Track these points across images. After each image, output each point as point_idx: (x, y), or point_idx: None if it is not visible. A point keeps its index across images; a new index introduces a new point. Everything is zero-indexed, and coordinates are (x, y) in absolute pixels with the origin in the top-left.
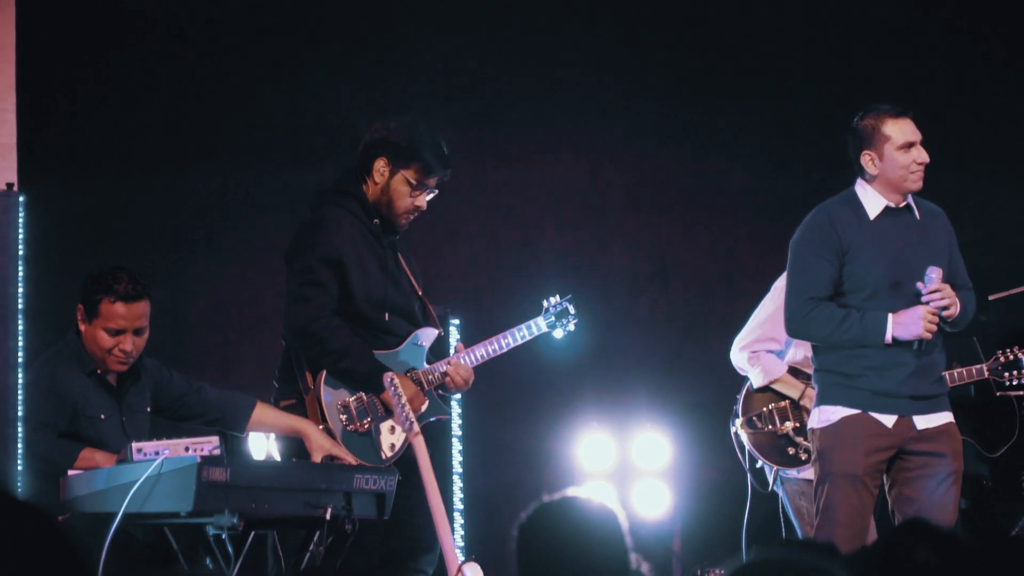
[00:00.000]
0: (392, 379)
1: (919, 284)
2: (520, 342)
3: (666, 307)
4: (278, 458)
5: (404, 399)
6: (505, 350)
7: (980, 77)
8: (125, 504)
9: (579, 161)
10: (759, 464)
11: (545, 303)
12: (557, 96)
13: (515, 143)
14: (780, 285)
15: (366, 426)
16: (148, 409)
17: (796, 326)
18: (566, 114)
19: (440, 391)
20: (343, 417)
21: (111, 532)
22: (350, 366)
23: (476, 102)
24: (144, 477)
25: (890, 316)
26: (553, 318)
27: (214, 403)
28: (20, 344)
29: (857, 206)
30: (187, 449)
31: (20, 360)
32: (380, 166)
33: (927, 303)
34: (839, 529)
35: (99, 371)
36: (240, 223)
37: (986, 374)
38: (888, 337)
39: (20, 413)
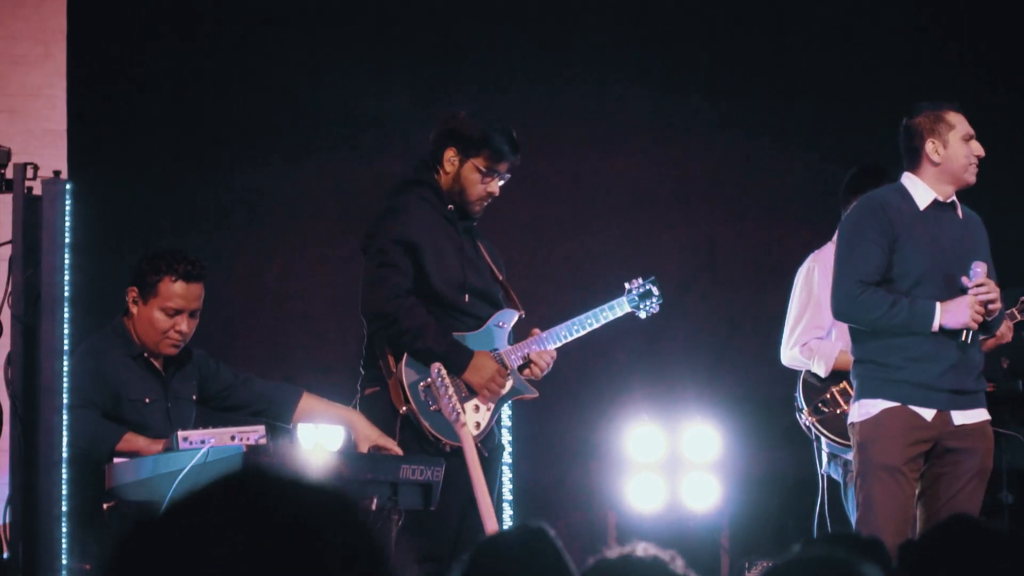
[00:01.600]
0: (439, 370)
1: (963, 278)
2: (603, 322)
3: (715, 300)
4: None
5: (451, 390)
6: (587, 330)
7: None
8: (171, 493)
9: (630, 155)
10: (827, 450)
11: (628, 284)
12: (606, 92)
13: (566, 138)
14: (802, 279)
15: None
16: (193, 397)
17: (845, 308)
18: (616, 109)
19: (523, 374)
20: (426, 398)
21: None
22: (428, 345)
23: (525, 98)
24: (190, 466)
25: (938, 304)
26: (637, 299)
27: (260, 394)
28: (66, 332)
29: (907, 196)
30: (233, 438)
31: (66, 348)
32: (450, 155)
33: (974, 296)
34: (881, 521)
35: (145, 355)
36: (287, 214)
37: (1017, 316)
38: (936, 325)
39: (66, 402)
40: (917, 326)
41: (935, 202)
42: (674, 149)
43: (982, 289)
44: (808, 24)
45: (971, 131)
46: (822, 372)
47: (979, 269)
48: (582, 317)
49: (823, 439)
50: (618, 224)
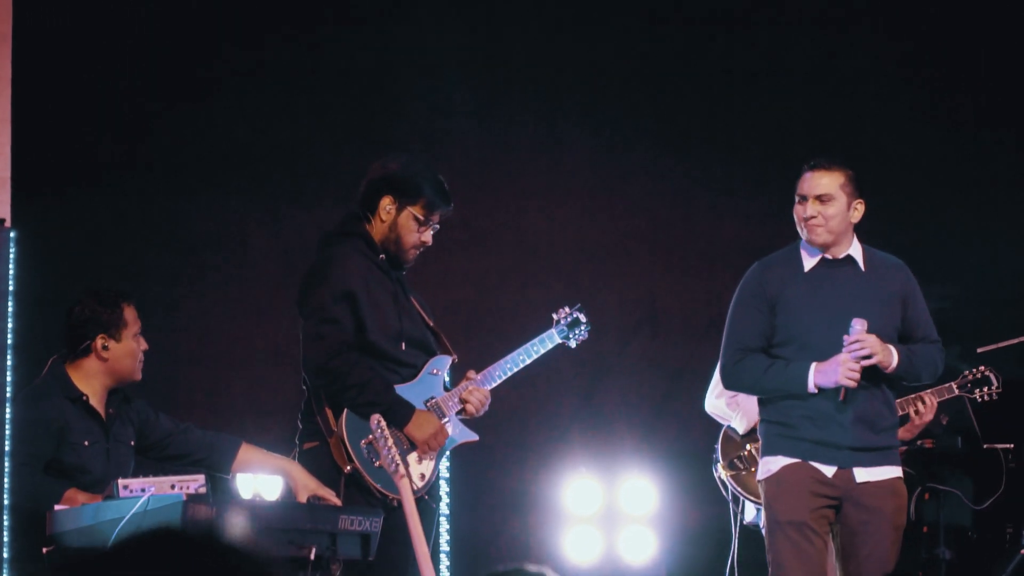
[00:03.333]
0: (379, 421)
1: (845, 336)
2: (535, 356)
3: (654, 353)
4: (265, 497)
5: (390, 441)
6: (521, 367)
7: (966, 132)
8: (112, 540)
9: (571, 208)
10: (742, 505)
11: (555, 315)
12: (549, 143)
13: (508, 190)
14: None
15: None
16: (132, 443)
17: (727, 376)
18: (558, 161)
19: (459, 415)
20: (369, 455)
21: None
22: (371, 399)
23: (467, 148)
24: (131, 514)
25: (813, 364)
26: (565, 328)
27: (200, 444)
28: (9, 380)
29: (794, 258)
30: (173, 487)
31: (8, 395)
32: (386, 204)
33: (848, 353)
34: None
35: (84, 398)
36: (232, 260)
37: (955, 391)
38: (811, 385)
39: (7, 449)
40: (793, 388)
41: (823, 260)
42: (615, 203)
43: (855, 346)
44: (749, 81)
45: (801, 191)
46: (741, 429)
47: (857, 327)
48: (514, 354)
49: (736, 495)
50: (559, 276)
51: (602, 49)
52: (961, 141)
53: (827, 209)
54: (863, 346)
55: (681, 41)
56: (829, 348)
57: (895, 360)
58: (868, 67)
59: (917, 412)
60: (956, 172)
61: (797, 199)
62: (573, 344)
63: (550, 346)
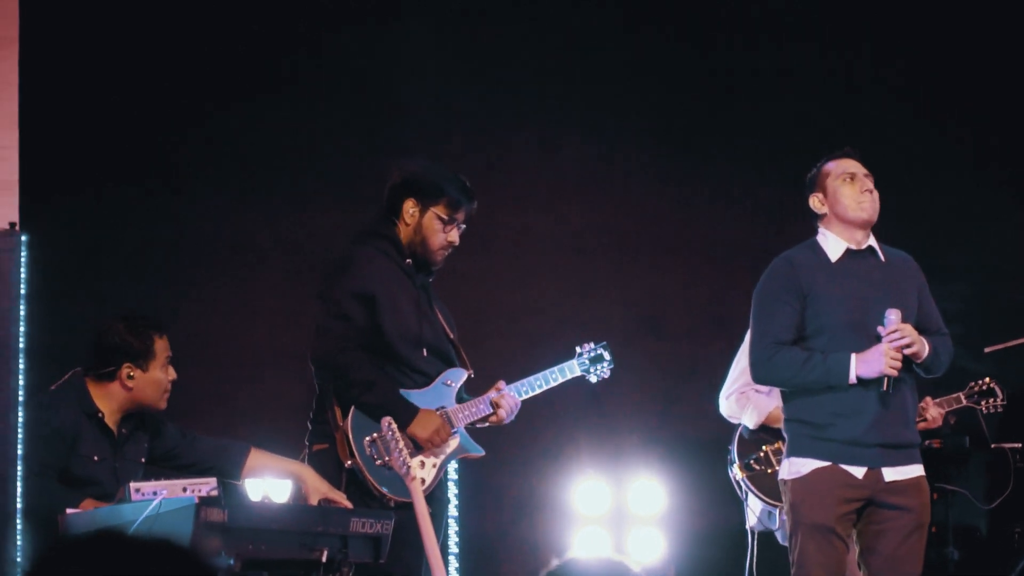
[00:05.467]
0: (390, 423)
1: (879, 328)
2: (554, 384)
3: (660, 355)
4: (274, 500)
5: (401, 443)
6: (540, 391)
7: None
8: None
9: (574, 211)
10: (749, 509)
11: (579, 348)
12: (552, 145)
13: (511, 194)
14: None
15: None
16: (142, 460)
17: (762, 371)
18: (561, 163)
19: (478, 424)
20: (371, 452)
21: None
22: (375, 399)
23: (472, 154)
24: (143, 517)
25: (853, 355)
26: (587, 363)
27: (209, 451)
28: (21, 383)
29: (818, 251)
30: (184, 490)
31: (21, 399)
32: (409, 207)
33: (888, 343)
34: None
35: (100, 415)
36: (240, 264)
37: (963, 402)
38: (852, 376)
39: (20, 452)
40: (834, 379)
41: (848, 252)
42: (618, 204)
43: (895, 335)
44: (750, 82)
45: (851, 171)
46: (751, 424)
47: (892, 316)
48: (531, 379)
49: (751, 496)
50: (562, 279)
51: (604, 50)
52: (969, 138)
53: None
54: (902, 335)
55: (684, 42)
56: (860, 339)
57: (927, 350)
58: (875, 66)
59: (923, 420)
60: (963, 171)
61: (844, 178)
62: (593, 379)
63: (569, 376)
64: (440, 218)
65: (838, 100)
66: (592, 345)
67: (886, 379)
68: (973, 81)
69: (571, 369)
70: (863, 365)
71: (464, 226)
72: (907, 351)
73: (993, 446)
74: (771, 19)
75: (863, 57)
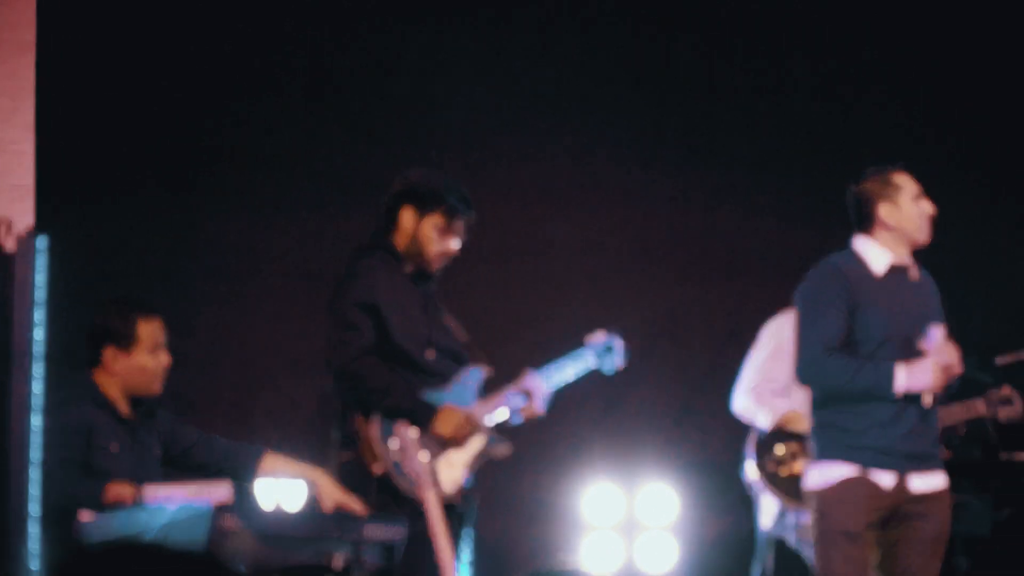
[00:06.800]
0: (404, 430)
1: (921, 343)
2: (573, 377)
3: (675, 362)
4: (288, 507)
5: (417, 450)
6: (569, 373)
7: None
8: None
9: (592, 217)
10: (774, 508)
11: (589, 339)
12: (571, 154)
13: (530, 202)
14: (771, 330)
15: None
16: (158, 453)
17: (810, 375)
18: (580, 172)
19: (512, 422)
20: (396, 458)
21: None
22: (395, 403)
23: (493, 162)
24: (159, 524)
25: (902, 367)
26: (602, 351)
27: (223, 453)
28: (38, 388)
29: (861, 262)
30: (200, 495)
31: (39, 404)
32: (407, 215)
33: (935, 360)
34: None
35: (110, 403)
36: (251, 271)
37: (983, 410)
38: (900, 387)
39: (37, 457)
40: (882, 390)
41: (891, 266)
42: (636, 213)
43: (943, 354)
44: (768, 91)
45: (919, 190)
46: (765, 425)
47: (937, 333)
48: (548, 367)
49: (765, 496)
50: (580, 287)
51: (626, 59)
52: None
53: None
54: (949, 354)
55: (706, 51)
56: (902, 353)
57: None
58: (891, 77)
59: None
60: (974, 183)
61: (913, 196)
62: (608, 369)
63: (587, 368)
64: (437, 226)
65: (867, 113)
66: (604, 335)
67: (930, 394)
68: (984, 86)
69: (584, 358)
70: (912, 379)
71: (462, 235)
72: (950, 371)
73: (1003, 456)
74: (805, 30)
75: (888, 62)
